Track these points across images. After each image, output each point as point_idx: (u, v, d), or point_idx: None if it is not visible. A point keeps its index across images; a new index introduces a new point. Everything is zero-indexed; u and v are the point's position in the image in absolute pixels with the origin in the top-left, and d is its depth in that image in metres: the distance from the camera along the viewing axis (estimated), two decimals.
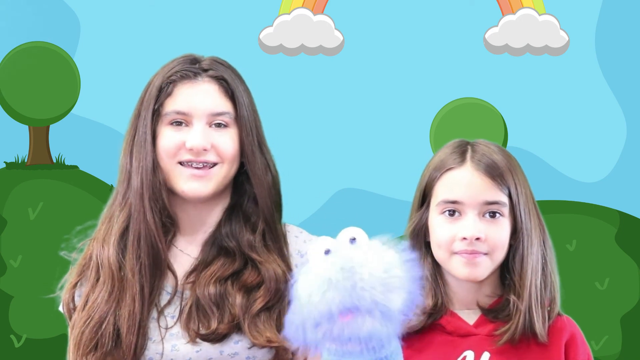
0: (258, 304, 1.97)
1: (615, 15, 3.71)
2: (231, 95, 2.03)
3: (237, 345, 1.96)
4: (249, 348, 1.96)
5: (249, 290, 1.99)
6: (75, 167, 3.67)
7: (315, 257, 1.62)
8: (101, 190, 3.62)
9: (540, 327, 1.91)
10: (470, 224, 1.88)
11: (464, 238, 1.88)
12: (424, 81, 3.69)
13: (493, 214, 1.91)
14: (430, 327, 1.94)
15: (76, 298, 2.04)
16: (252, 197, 2.05)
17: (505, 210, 1.92)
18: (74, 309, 2.03)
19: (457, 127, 3.65)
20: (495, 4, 3.71)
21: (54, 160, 3.67)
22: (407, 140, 3.66)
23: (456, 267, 1.90)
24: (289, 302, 1.64)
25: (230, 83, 2.03)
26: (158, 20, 3.66)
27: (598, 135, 3.70)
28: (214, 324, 1.95)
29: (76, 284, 2.05)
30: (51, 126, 3.66)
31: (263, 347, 1.95)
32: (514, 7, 3.71)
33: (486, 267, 1.91)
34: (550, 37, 3.70)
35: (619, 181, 3.69)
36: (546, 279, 1.95)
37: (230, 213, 2.06)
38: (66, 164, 3.67)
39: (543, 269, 1.95)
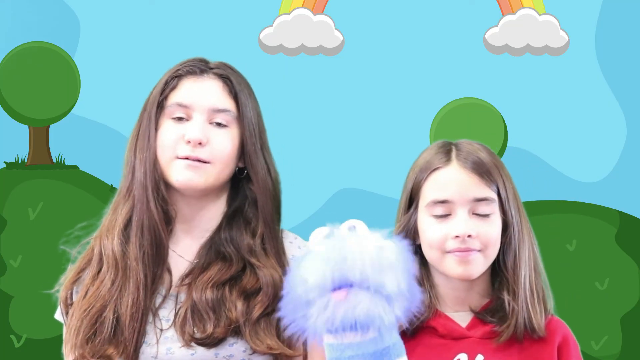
0: (257, 310, 1.97)
1: (615, 15, 3.70)
2: (235, 95, 2.03)
3: (232, 347, 1.96)
4: (244, 351, 1.96)
5: (248, 296, 1.99)
6: (75, 167, 3.67)
7: (315, 242, 1.64)
8: (101, 190, 3.62)
9: (539, 321, 1.90)
10: (461, 221, 1.88)
11: (457, 236, 1.88)
12: (424, 81, 3.69)
13: (483, 211, 1.91)
14: (420, 329, 1.93)
15: (74, 294, 2.05)
16: (253, 201, 2.06)
17: (495, 207, 1.92)
18: (71, 304, 2.03)
19: (457, 127, 3.65)
20: (495, 4, 3.71)
21: (54, 160, 3.67)
22: (407, 140, 3.66)
23: (450, 267, 1.90)
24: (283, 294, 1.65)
25: (235, 83, 2.04)
26: (158, 21, 3.66)
27: (598, 135, 3.69)
28: (209, 328, 1.95)
29: (75, 280, 2.06)
30: (51, 126, 3.66)
31: (264, 354, 1.96)
32: (514, 7, 3.71)
33: (479, 264, 1.90)
34: (550, 37, 3.70)
35: (619, 181, 3.69)
36: (537, 275, 1.95)
37: (231, 219, 2.06)
38: (66, 164, 3.67)
39: (535, 265, 1.95)
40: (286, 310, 1.64)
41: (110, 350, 1.96)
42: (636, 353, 3.67)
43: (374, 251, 1.63)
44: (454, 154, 1.94)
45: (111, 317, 1.97)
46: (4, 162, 3.67)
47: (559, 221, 3.66)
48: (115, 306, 1.98)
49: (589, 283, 3.67)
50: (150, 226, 2.00)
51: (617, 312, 3.67)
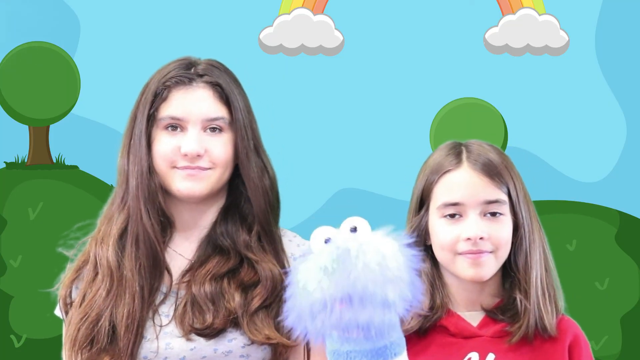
0: (256, 302, 1.98)
1: (615, 15, 3.71)
2: (226, 100, 2.03)
3: (230, 343, 1.96)
4: (243, 347, 1.97)
5: (246, 289, 2.00)
6: (75, 167, 3.67)
7: (316, 245, 1.64)
8: (101, 190, 3.62)
9: (550, 321, 1.92)
10: (473, 224, 1.89)
11: (468, 239, 1.88)
12: (424, 81, 3.69)
13: (494, 213, 1.92)
14: (432, 328, 1.94)
15: (73, 293, 2.05)
16: (249, 199, 2.06)
17: (506, 208, 1.92)
18: (71, 304, 2.04)
19: (457, 127, 3.65)
20: (495, 4, 3.71)
21: (54, 160, 3.67)
22: (407, 140, 3.66)
23: (461, 268, 1.90)
24: (286, 291, 1.65)
25: (225, 88, 2.04)
26: (158, 21, 3.66)
27: (598, 135, 3.70)
28: (209, 319, 1.96)
29: (74, 279, 2.06)
30: (51, 126, 3.66)
31: (262, 344, 1.96)
32: (514, 7, 3.71)
33: (491, 266, 1.91)
34: (550, 37, 3.70)
35: (619, 181, 3.69)
36: (549, 275, 1.96)
37: (225, 213, 2.07)
38: (66, 164, 3.67)
39: (545, 264, 1.96)
40: (290, 318, 1.65)
41: (106, 359, 1.97)
42: (636, 353, 3.67)
43: (377, 264, 1.62)
44: (464, 155, 1.94)
45: (107, 326, 1.98)
46: (4, 162, 3.67)
47: (559, 221, 3.66)
48: (111, 315, 1.99)
49: (589, 283, 3.67)
50: (146, 239, 2.01)
51: (617, 312, 3.68)
